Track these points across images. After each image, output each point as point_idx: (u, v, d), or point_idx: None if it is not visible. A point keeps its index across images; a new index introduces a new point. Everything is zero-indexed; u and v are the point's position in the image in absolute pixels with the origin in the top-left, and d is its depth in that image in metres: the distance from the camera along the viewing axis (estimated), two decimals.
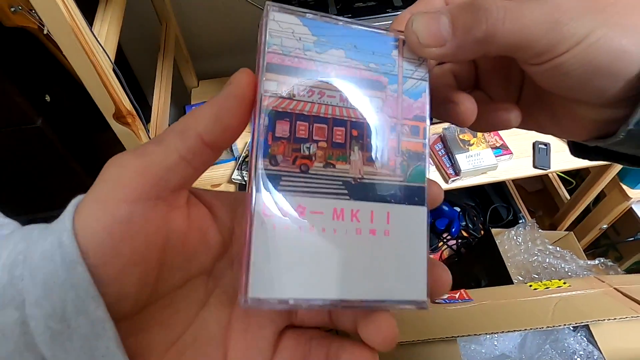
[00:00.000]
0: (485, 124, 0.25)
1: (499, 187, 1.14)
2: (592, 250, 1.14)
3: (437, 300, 0.55)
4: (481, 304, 0.54)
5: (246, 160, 0.84)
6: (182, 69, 0.98)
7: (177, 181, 0.19)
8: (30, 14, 0.65)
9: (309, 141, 0.20)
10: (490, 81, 0.27)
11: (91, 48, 0.49)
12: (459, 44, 0.21)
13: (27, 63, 0.76)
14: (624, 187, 0.92)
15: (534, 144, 0.86)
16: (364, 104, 0.21)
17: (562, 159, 0.84)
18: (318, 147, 0.20)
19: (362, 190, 0.20)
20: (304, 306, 0.19)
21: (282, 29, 0.20)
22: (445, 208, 1.12)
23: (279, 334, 0.22)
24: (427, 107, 0.22)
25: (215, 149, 0.19)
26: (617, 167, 0.90)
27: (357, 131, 0.21)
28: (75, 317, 0.17)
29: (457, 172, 0.81)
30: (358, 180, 0.20)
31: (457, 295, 0.57)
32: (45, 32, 0.51)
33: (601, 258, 0.85)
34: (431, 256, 0.26)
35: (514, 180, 1.18)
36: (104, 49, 0.52)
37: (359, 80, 0.21)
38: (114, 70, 0.53)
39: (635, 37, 0.19)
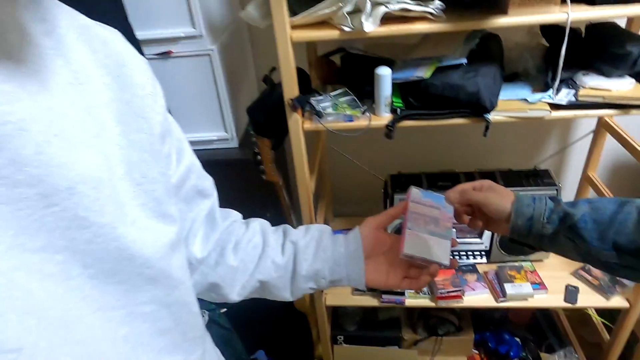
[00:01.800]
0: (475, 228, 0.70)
1: (554, 326, 1.40)
2: None
3: None
4: None
5: None
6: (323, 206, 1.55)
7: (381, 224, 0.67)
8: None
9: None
10: (474, 214, 0.72)
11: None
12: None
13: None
14: None
15: (566, 286, 1.19)
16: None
17: (588, 298, 1.15)
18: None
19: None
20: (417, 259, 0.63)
21: (415, 198, 0.69)
22: (507, 337, 1.41)
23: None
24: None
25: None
26: None
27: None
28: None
29: (504, 295, 1.17)
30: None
31: None
32: (280, 182, 1.11)
33: None
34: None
35: (553, 310, 1.43)
36: None
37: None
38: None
39: (505, 200, 0.64)
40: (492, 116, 0.91)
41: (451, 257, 0.62)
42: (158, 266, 0.42)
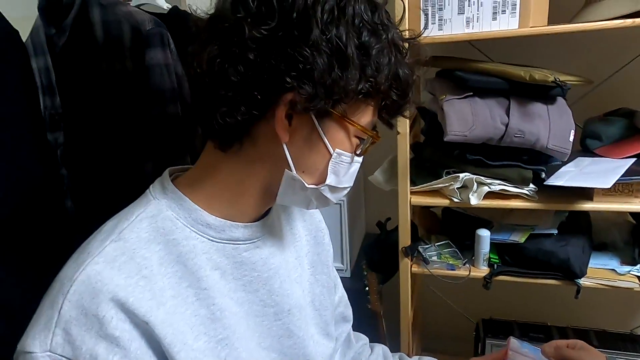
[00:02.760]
0: None
1: None
2: None
3: None
4: None
5: None
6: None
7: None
8: None
9: None
10: None
11: None
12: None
13: None
14: None
15: None
16: None
17: None
18: None
19: None
20: None
21: (515, 348, 0.82)
22: None
23: None
24: None
25: None
26: None
27: None
28: None
29: None
30: None
31: None
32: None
33: None
34: None
35: None
36: None
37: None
38: None
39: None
40: (583, 281, 1.04)
41: None
42: None
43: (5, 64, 0.81)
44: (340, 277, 1.42)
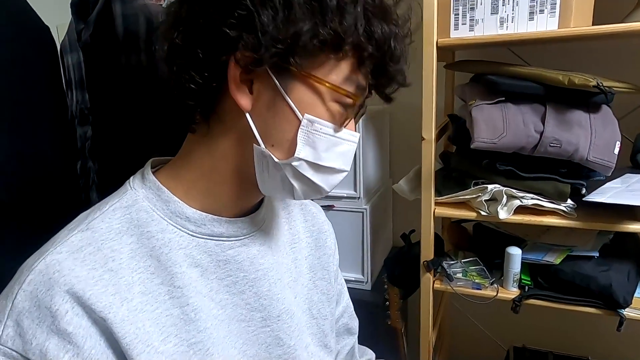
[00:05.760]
0: None
1: None
2: None
3: None
4: None
5: None
6: None
7: None
8: None
9: None
10: None
11: None
12: None
13: None
14: None
15: None
16: None
17: None
18: None
19: None
20: None
21: None
22: None
23: None
24: None
25: None
26: None
27: None
28: None
29: None
30: None
31: None
32: None
33: None
34: None
35: None
36: None
37: None
38: None
39: None
40: (627, 312, 0.93)
41: None
42: None
43: (35, 56, 0.84)
44: (360, 290, 1.37)
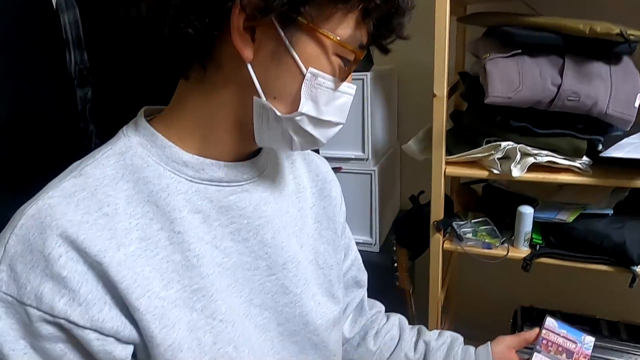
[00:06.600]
0: None
1: None
2: None
3: None
4: None
5: None
6: None
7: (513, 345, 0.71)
8: None
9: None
10: None
11: None
12: None
13: None
14: None
15: None
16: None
17: None
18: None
19: None
20: None
21: (550, 327, 0.73)
22: None
23: None
24: None
25: None
26: None
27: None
28: None
29: None
30: None
31: None
32: None
33: None
34: None
35: None
36: None
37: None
38: None
39: None
40: None
41: None
42: (322, 336, 0.55)
43: (31, 16, 0.81)
44: (369, 252, 1.37)
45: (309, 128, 0.44)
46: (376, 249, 1.32)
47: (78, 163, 0.44)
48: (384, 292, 1.34)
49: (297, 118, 0.43)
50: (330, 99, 0.44)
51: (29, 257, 0.37)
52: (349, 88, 0.45)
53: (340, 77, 0.44)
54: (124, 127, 0.47)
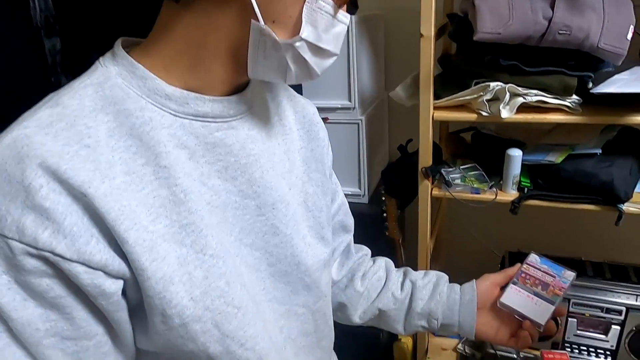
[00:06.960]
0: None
1: None
2: None
3: None
4: None
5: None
6: None
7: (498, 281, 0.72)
8: None
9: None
10: None
11: None
12: None
13: None
14: None
15: None
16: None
17: None
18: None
19: None
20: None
21: (532, 262, 0.73)
22: None
23: None
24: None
25: None
26: None
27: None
28: None
29: None
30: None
31: None
32: None
33: None
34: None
35: None
36: None
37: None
38: None
39: None
40: (626, 207, 0.92)
41: (556, 325, 0.65)
42: (313, 277, 0.55)
43: None
44: (358, 203, 1.37)
45: (307, 56, 0.42)
46: (365, 200, 1.31)
47: (54, 94, 0.41)
48: (373, 242, 1.34)
49: (297, 44, 0.40)
50: (329, 26, 0.42)
51: (7, 189, 0.34)
52: (344, 17, 0.44)
53: (338, 2, 0.42)
54: (100, 58, 0.43)
